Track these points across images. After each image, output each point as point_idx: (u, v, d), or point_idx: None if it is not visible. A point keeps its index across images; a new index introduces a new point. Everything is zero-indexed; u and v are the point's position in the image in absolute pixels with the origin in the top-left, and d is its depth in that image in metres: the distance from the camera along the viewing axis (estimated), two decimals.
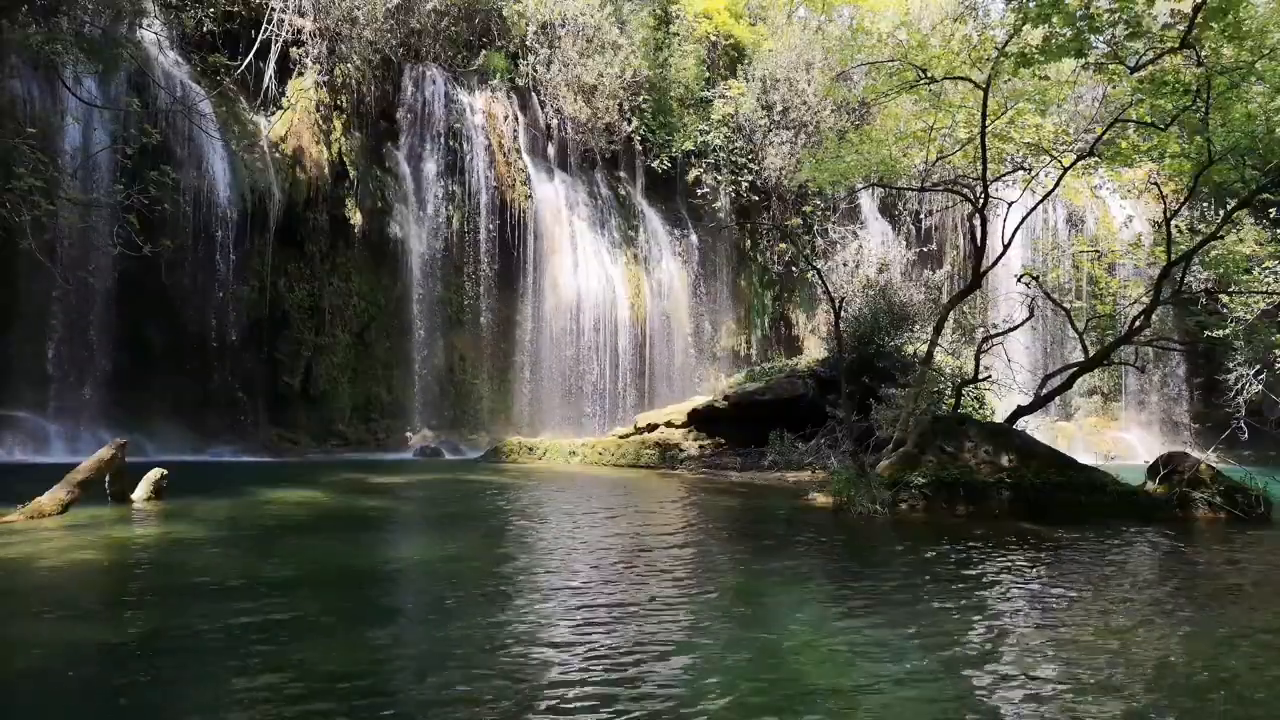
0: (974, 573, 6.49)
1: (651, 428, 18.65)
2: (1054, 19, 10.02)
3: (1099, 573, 6.56)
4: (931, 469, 10.17)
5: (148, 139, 14.09)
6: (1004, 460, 10.27)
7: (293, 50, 20.57)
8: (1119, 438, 27.31)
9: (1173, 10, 10.73)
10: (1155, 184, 14.79)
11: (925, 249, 27.78)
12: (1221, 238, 14.20)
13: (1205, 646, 4.50)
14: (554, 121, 24.99)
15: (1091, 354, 13.19)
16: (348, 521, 8.79)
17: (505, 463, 17.76)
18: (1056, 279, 24.98)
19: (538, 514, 9.90)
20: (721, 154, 26.68)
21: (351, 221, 21.13)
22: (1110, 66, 11.23)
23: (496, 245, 23.11)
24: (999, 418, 13.65)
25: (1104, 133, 12.46)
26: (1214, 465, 10.99)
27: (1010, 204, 13.58)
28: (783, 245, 27.08)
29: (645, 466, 16.70)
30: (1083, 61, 11.53)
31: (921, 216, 29.43)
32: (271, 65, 20.30)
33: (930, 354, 13.28)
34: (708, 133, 26.61)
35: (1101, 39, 10.92)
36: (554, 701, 3.44)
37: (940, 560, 7.05)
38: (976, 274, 13.80)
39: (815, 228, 27.40)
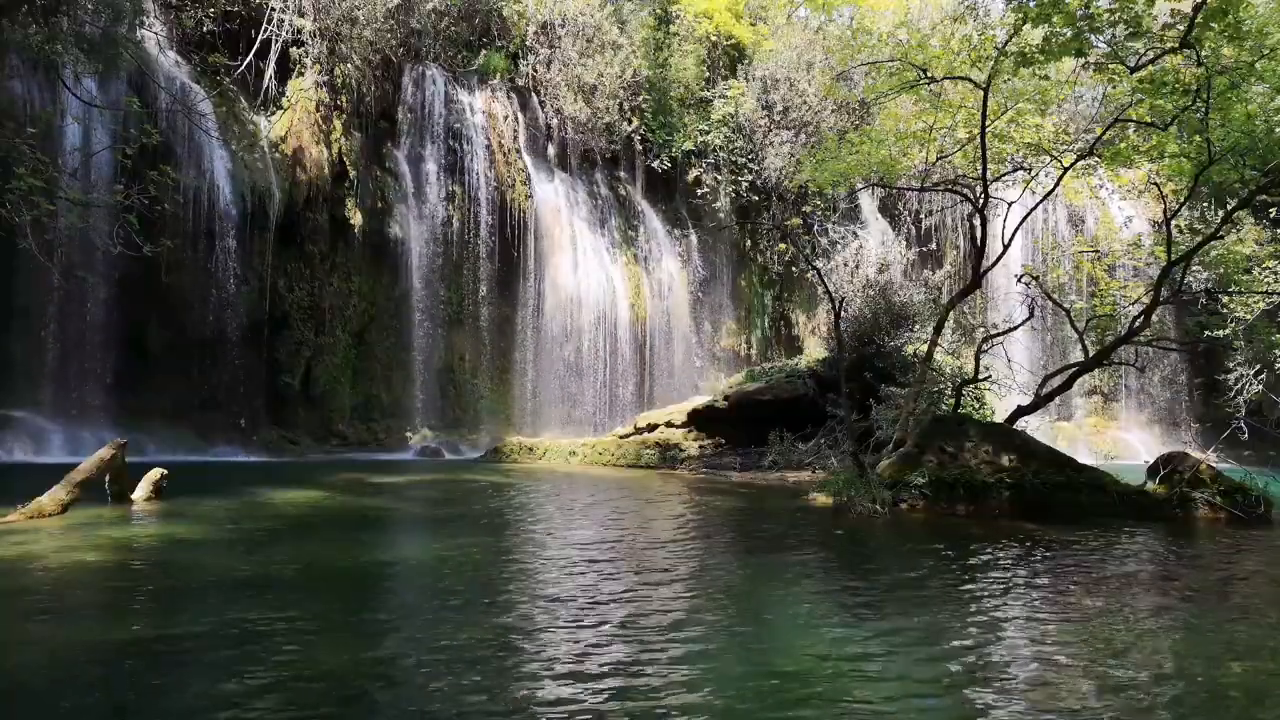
0: (974, 573, 6.49)
1: (651, 428, 18.66)
2: (1054, 19, 10.02)
3: (1099, 573, 6.56)
4: (931, 469, 10.16)
5: (148, 139, 14.09)
6: (1004, 460, 10.27)
7: (293, 50, 20.58)
8: (1119, 438, 27.32)
9: (1173, 10, 10.72)
10: (1155, 184, 14.80)
11: (925, 249, 27.82)
12: (1221, 238, 14.21)
13: (1206, 646, 4.50)
14: (554, 121, 24.99)
15: (1091, 354, 13.19)
16: (348, 521, 8.79)
17: (505, 463, 17.76)
18: (1056, 279, 25.03)
19: (537, 515, 9.89)
20: (721, 154, 26.68)
21: (351, 221, 21.14)
22: (1110, 66, 11.24)
23: (496, 245, 23.11)
24: (999, 418, 13.65)
25: (1104, 133, 12.47)
26: (1214, 465, 10.99)
27: (1010, 204, 13.59)
28: (783, 245, 27.08)
29: (645, 467, 16.70)
30: (1083, 61, 11.54)
31: (921, 216, 29.44)
32: (271, 65, 20.31)
33: (930, 354, 13.29)
34: (708, 133, 26.61)
35: (1102, 39, 10.92)
36: (553, 705, 3.44)
37: (940, 560, 7.05)
38: (976, 274, 13.81)
39: (815, 228, 27.41)
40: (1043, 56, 10.45)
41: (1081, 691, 3.72)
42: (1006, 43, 11.22)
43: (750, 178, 26.81)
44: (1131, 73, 10.90)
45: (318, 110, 20.79)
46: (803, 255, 24.24)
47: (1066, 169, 13.06)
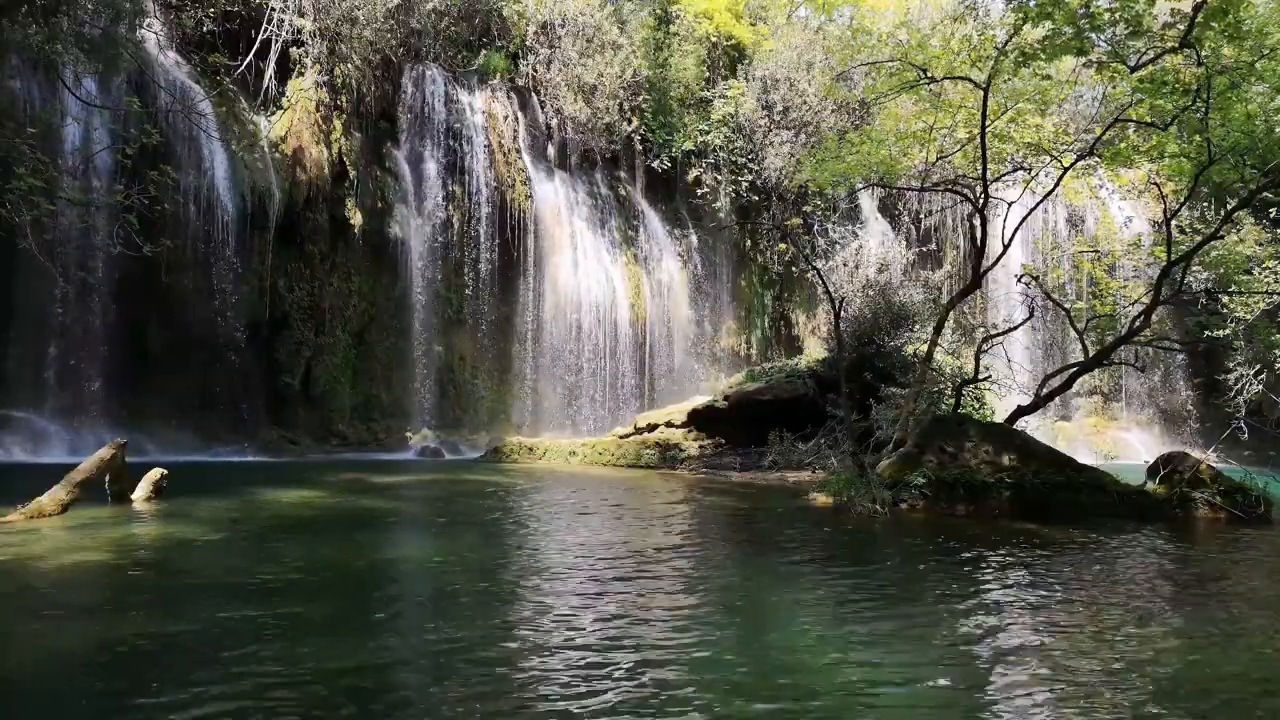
0: (974, 573, 6.49)
1: (651, 428, 18.65)
2: (1055, 17, 10.03)
3: (1099, 572, 6.56)
4: (931, 469, 10.16)
5: (148, 139, 14.09)
6: (1004, 460, 10.27)
7: (293, 50, 20.58)
8: (1119, 438, 27.33)
9: (1173, 10, 10.73)
10: (1155, 184, 14.80)
11: (925, 249, 27.83)
12: (1221, 238, 14.23)
13: (1205, 647, 4.50)
14: (554, 121, 24.99)
15: (1091, 354, 13.19)
16: (347, 521, 8.79)
17: (505, 463, 17.75)
18: (1056, 279, 25.03)
19: (537, 515, 9.89)
20: (721, 154, 26.68)
21: (351, 221, 21.14)
22: (1110, 66, 11.24)
23: (496, 245, 23.11)
24: (999, 418, 13.65)
25: (1104, 133, 12.47)
26: (1214, 465, 10.99)
27: (1010, 204, 13.59)
28: (783, 245, 27.09)
29: (645, 466, 16.70)
30: (1084, 60, 11.54)
31: (921, 216, 29.45)
32: (271, 65, 20.31)
33: (930, 354, 13.29)
34: (708, 133, 26.61)
35: (1102, 38, 10.92)
36: (552, 706, 3.44)
37: (940, 560, 7.05)
38: (976, 274, 13.81)
39: (815, 228, 27.41)
40: (1044, 55, 10.46)
41: (1083, 692, 3.72)
42: (1006, 42, 11.22)
43: (750, 178, 26.81)
44: (1132, 72, 10.90)
45: (318, 110, 20.79)
46: (803, 255, 24.25)
47: (1066, 169, 13.06)
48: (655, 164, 26.21)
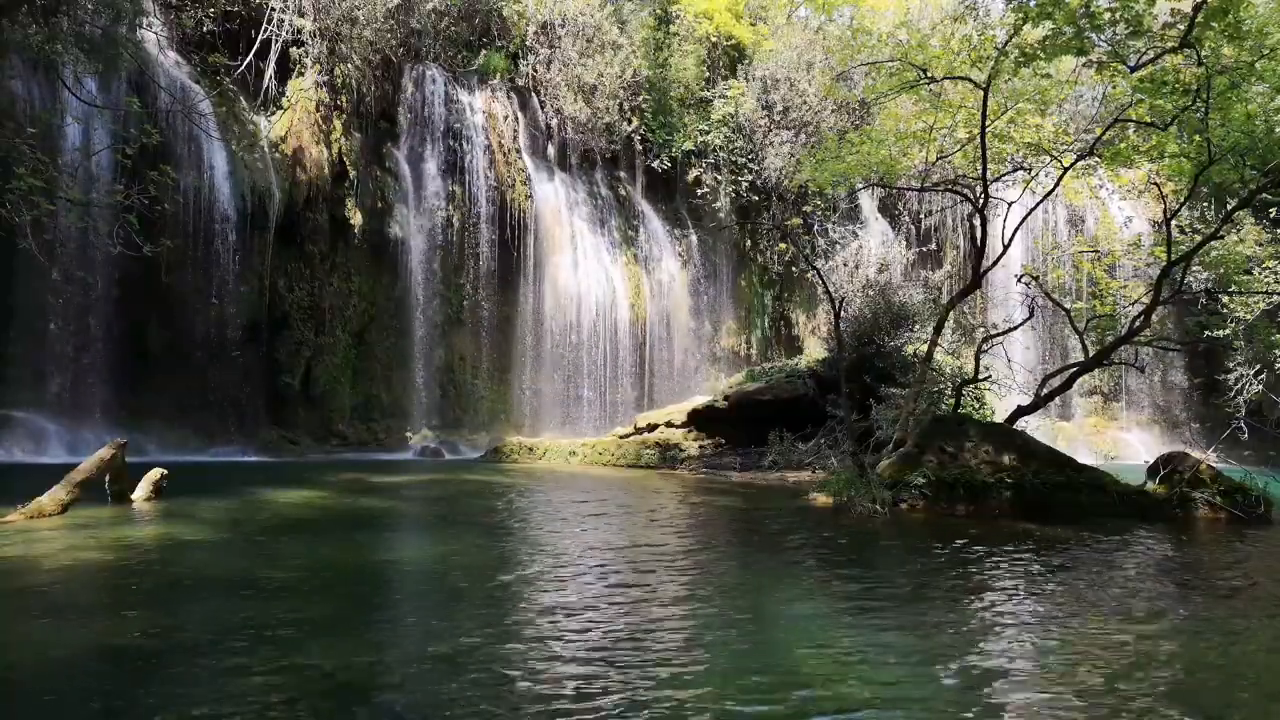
0: (974, 573, 6.49)
1: (651, 428, 18.65)
2: (1055, 17, 10.03)
3: (1099, 572, 6.56)
4: (931, 469, 10.16)
5: (148, 139, 14.08)
6: (1004, 460, 10.27)
7: (293, 50, 20.58)
8: (1119, 438, 27.33)
9: (1173, 10, 10.72)
10: (1155, 184, 14.80)
11: (925, 249, 27.83)
12: (1221, 238, 14.23)
13: (1207, 646, 4.50)
14: (554, 121, 25.00)
15: (1091, 354, 13.19)
16: (347, 521, 8.79)
17: (505, 463, 17.75)
18: (1056, 279, 25.03)
19: (537, 515, 9.89)
20: (721, 154, 26.68)
21: (351, 221, 21.14)
22: (1110, 66, 11.24)
23: (496, 245, 23.12)
24: (999, 418, 13.65)
25: (1104, 133, 12.47)
26: (1214, 465, 10.99)
27: (1010, 204, 13.59)
28: (783, 245, 27.09)
29: (645, 466, 16.69)
30: (1084, 60, 11.55)
31: (921, 216, 29.44)
32: (271, 65, 20.31)
33: (930, 354, 13.28)
34: (708, 133, 26.61)
35: (1102, 38, 10.92)
36: (552, 706, 3.44)
37: (940, 560, 7.04)
38: (976, 274, 13.81)
39: (815, 228, 27.41)
40: (1044, 55, 10.46)
41: (1082, 692, 3.71)
42: (1006, 43, 11.22)
43: (750, 178, 26.81)
44: (1132, 72, 10.90)
45: (318, 110, 20.79)
46: (803, 255, 24.26)
47: (1066, 169, 13.06)
48: (655, 164, 26.21)
